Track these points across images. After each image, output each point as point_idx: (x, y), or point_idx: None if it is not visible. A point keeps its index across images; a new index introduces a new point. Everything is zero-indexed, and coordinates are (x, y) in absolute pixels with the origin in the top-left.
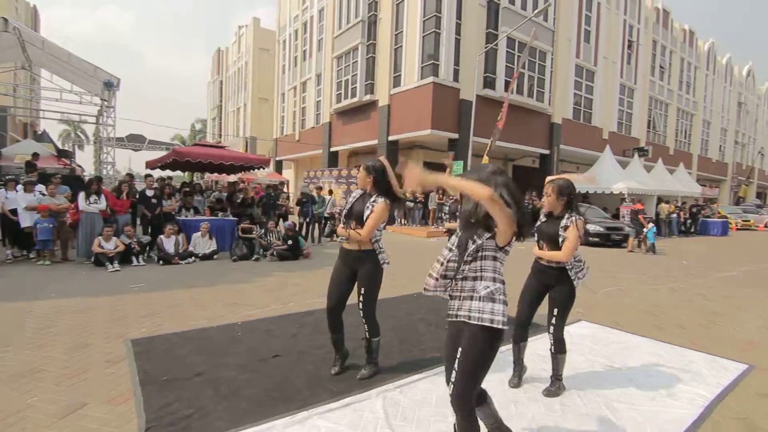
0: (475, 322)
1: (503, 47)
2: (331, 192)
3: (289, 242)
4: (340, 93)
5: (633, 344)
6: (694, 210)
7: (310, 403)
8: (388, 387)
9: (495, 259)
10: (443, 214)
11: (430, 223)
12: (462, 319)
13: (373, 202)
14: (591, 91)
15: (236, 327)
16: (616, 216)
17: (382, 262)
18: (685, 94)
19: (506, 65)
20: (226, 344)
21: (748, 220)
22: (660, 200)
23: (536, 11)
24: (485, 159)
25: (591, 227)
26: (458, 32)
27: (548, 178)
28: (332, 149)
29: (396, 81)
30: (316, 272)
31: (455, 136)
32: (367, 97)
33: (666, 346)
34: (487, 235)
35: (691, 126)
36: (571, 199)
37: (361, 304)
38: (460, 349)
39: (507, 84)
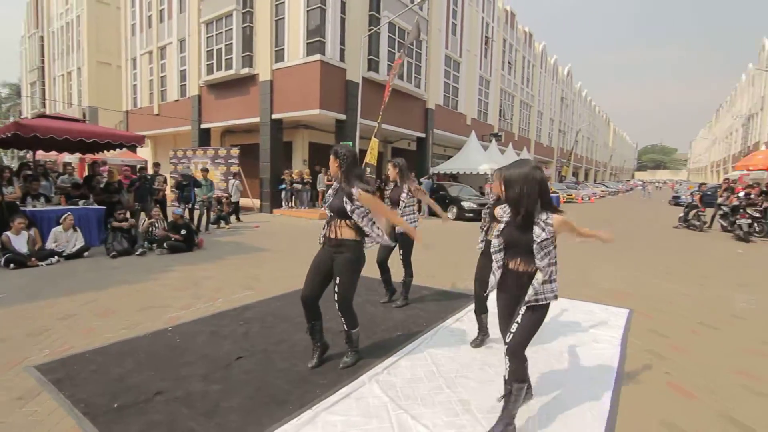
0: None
1: (385, 32)
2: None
3: (183, 232)
4: (212, 63)
5: None
6: None
7: (308, 400)
8: (377, 370)
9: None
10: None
11: (320, 204)
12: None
13: (354, 198)
14: (457, 80)
15: (168, 333)
16: (482, 193)
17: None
18: (525, 88)
19: (388, 50)
20: (169, 355)
21: (571, 195)
22: None
23: (416, 2)
24: (373, 141)
25: (466, 204)
26: (343, 11)
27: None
28: (203, 126)
29: (279, 55)
30: (222, 263)
31: (343, 117)
32: (246, 71)
33: (567, 302)
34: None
35: (529, 115)
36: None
37: (336, 296)
38: (521, 314)
39: (390, 68)
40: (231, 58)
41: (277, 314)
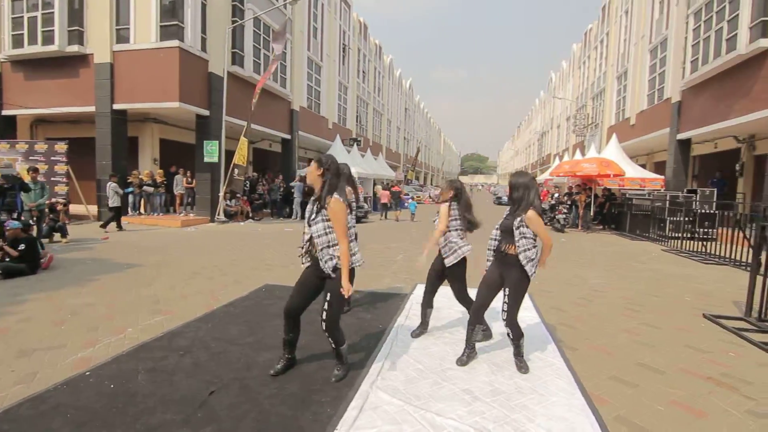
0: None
1: (250, 26)
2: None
3: (21, 248)
4: (21, 34)
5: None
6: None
7: (324, 422)
8: (372, 378)
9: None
10: (230, 198)
11: (177, 210)
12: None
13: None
14: (319, 84)
15: (91, 380)
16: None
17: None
18: (377, 97)
19: (254, 45)
20: (113, 405)
21: (419, 196)
22: (375, 182)
23: (284, 2)
24: (243, 141)
25: None
26: None
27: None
28: (5, 113)
29: (122, 35)
30: (94, 285)
31: (206, 112)
32: (74, 48)
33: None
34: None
35: (381, 123)
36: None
37: (323, 315)
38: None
39: (255, 64)
40: (52, 31)
41: (218, 338)
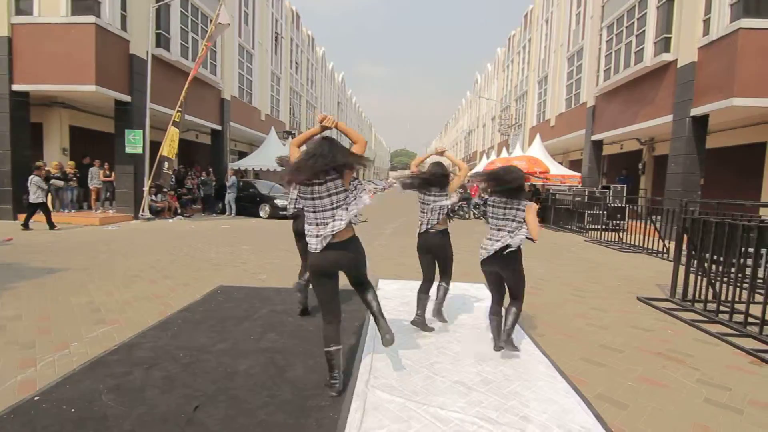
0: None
1: (177, 6)
2: None
3: None
4: None
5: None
6: None
7: (328, 428)
8: (364, 377)
9: None
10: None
11: (93, 206)
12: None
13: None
14: (251, 73)
15: (43, 405)
16: None
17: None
18: (310, 89)
19: (181, 27)
20: (81, 430)
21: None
22: None
23: None
24: (173, 131)
25: (280, 202)
26: None
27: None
28: None
29: (22, 7)
30: (13, 295)
31: (127, 98)
32: None
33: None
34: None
35: (314, 116)
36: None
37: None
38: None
39: (183, 48)
40: None
41: (184, 347)
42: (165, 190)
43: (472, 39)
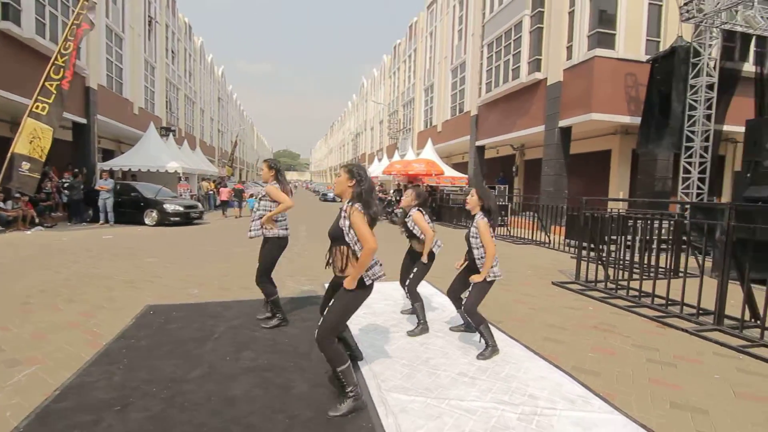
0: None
1: None
2: None
3: None
4: None
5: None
6: (218, 187)
7: None
8: (373, 383)
9: None
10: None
11: None
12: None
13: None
14: (121, 59)
15: None
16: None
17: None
18: (188, 82)
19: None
20: None
21: (258, 192)
22: (200, 178)
23: None
24: (37, 126)
25: (170, 207)
26: None
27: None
28: None
29: None
30: None
31: None
32: None
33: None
34: None
35: (193, 111)
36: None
37: (323, 322)
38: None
39: (39, 24)
40: None
41: (150, 379)
42: (17, 195)
43: (353, 42)
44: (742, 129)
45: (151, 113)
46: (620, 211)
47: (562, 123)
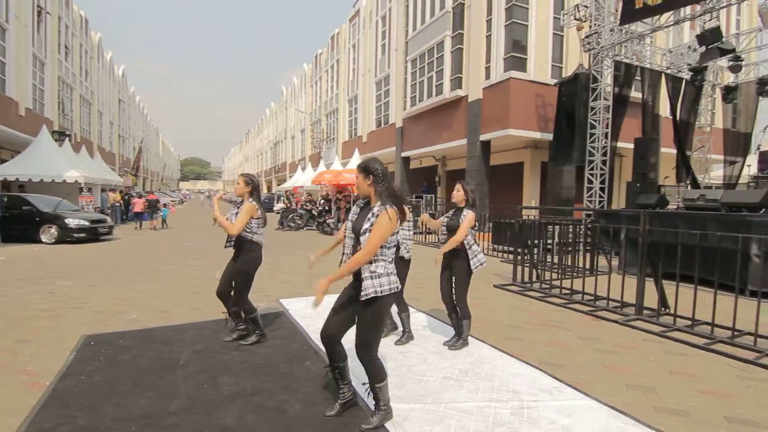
0: None
1: None
2: None
3: None
4: None
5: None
6: (126, 198)
7: None
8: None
9: None
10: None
11: None
12: None
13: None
14: (4, 53)
15: None
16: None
17: (385, 288)
18: (84, 81)
19: None
20: None
21: (171, 202)
22: (103, 189)
23: None
24: None
25: (73, 222)
26: None
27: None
28: None
29: None
30: None
31: None
32: None
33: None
34: None
35: (90, 114)
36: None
37: (356, 340)
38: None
39: None
40: None
41: (124, 418)
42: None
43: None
44: (631, 146)
45: (41, 115)
46: (536, 217)
47: (483, 137)
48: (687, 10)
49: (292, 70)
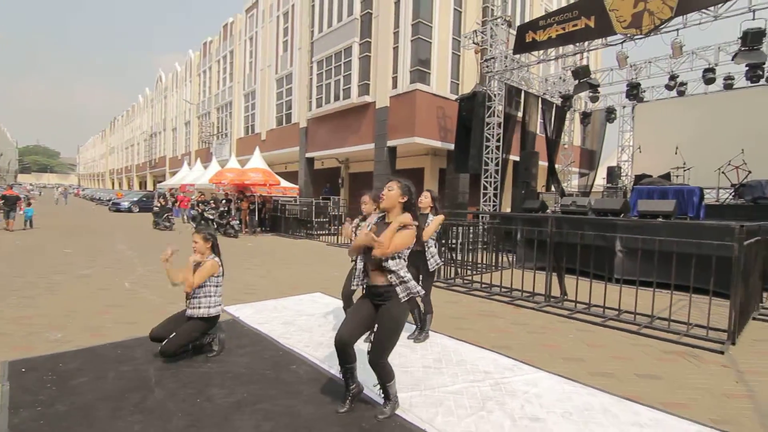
0: None
1: None
2: None
3: None
4: None
5: (308, 301)
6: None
7: None
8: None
9: None
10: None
11: None
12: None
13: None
14: None
15: None
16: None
17: (405, 294)
18: None
19: None
20: None
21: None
22: None
23: None
24: None
25: None
26: None
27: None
28: None
29: None
30: None
31: None
32: None
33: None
34: None
35: None
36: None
37: (369, 348)
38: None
39: None
40: None
41: None
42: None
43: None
44: (517, 158)
45: None
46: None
47: (390, 143)
48: (568, 48)
49: (167, 55)
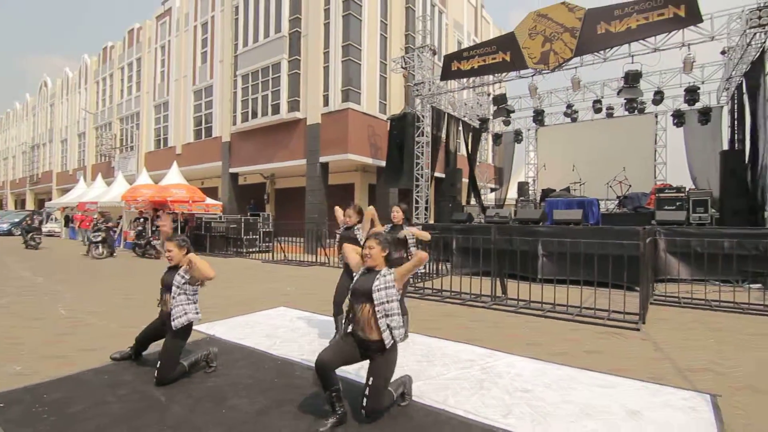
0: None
1: None
2: None
3: None
4: None
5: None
6: None
7: None
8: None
9: None
10: None
11: None
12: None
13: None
14: None
15: None
16: None
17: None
18: None
19: None
20: None
21: None
22: None
23: None
24: None
25: None
26: None
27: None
28: None
29: None
30: None
31: None
32: None
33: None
34: None
35: None
36: None
37: (365, 402)
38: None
39: None
40: None
41: None
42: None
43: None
44: (442, 174)
45: None
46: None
47: (323, 159)
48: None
49: (45, 58)
